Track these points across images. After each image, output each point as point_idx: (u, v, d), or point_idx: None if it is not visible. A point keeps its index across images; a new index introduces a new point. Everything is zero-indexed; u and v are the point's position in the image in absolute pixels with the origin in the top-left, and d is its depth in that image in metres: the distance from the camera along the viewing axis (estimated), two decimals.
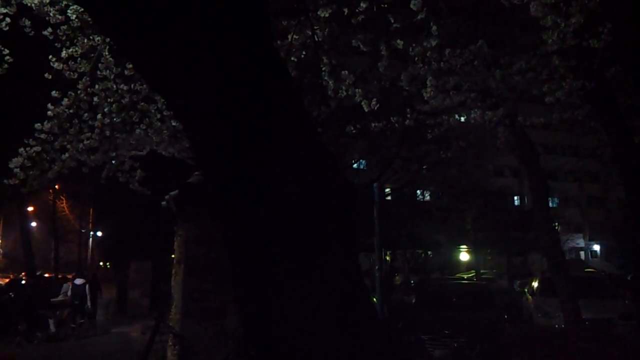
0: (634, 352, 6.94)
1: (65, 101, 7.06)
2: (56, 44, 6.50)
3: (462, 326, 10.37)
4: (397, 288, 27.34)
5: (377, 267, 14.03)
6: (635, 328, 11.97)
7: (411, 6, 6.16)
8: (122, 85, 7.17)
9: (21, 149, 7.28)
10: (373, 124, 9.28)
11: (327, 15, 6.29)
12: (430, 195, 34.51)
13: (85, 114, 7.32)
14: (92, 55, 6.77)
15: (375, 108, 7.61)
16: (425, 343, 10.14)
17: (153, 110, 7.58)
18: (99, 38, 6.54)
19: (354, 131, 11.15)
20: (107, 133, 7.56)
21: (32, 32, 6.29)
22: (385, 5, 6.70)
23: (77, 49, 6.56)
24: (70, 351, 13.85)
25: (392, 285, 27.22)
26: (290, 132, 2.80)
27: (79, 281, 17.35)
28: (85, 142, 7.52)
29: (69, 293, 17.11)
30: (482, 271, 35.48)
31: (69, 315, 17.13)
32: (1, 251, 49.57)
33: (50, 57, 6.69)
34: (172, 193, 9.01)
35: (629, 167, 9.90)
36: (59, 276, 23.22)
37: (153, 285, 23.26)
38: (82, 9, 5.90)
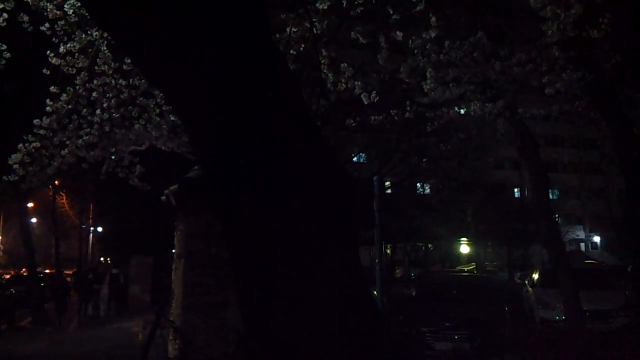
0: (632, 345, 6.96)
1: (63, 97, 7.04)
2: (54, 40, 6.47)
3: (462, 319, 10.37)
4: (397, 281, 27.35)
5: (377, 260, 14.02)
6: (635, 319, 11.98)
7: None
8: (120, 80, 7.15)
9: (20, 145, 7.26)
10: (373, 117, 9.26)
11: (325, 7, 6.25)
12: (430, 188, 34.48)
13: (84, 110, 7.31)
14: (90, 50, 6.75)
15: (375, 101, 7.59)
16: (425, 336, 10.14)
17: (152, 105, 7.56)
18: (96, 33, 6.50)
19: (353, 124, 11.12)
20: (106, 128, 7.55)
21: (30, 27, 6.26)
22: None
23: (75, 44, 6.53)
24: (71, 346, 13.87)
25: (392, 278, 27.23)
26: (289, 126, 2.78)
27: (115, 271, 22.04)
28: (84, 137, 7.51)
29: (107, 282, 21.34)
30: (483, 263, 35.50)
31: (109, 300, 21.49)
32: (2, 247, 49.58)
33: (48, 52, 6.67)
34: (172, 188, 8.99)
35: (629, 158, 9.88)
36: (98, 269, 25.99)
37: (154, 280, 23.25)
38: (80, 4, 5.87)
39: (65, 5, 6.04)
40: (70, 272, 25.30)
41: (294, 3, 6.49)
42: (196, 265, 8.36)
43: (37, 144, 7.26)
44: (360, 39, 6.86)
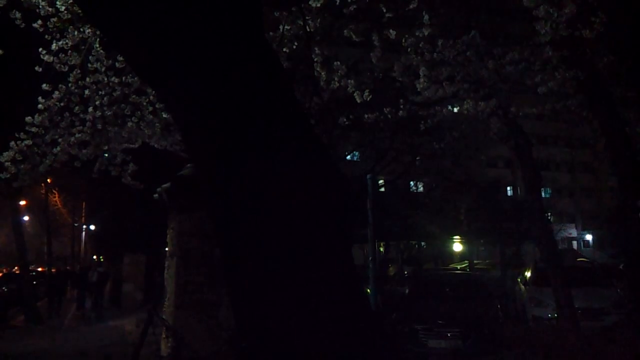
0: (625, 342, 7.02)
1: (56, 94, 7.01)
2: (46, 37, 6.44)
3: (455, 316, 10.40)
4: (390, 279, 27.39)
5: (370, 258, 14.04)
6: (627, 317, 12.04)
7: None
8: (113, 78, 7.12)
9: (12, 143, 7.23)
10: (366, 116, 9.26)
11: (319, 5, 6.24)
12: (423, 186, 34.55)
13: (77, 107, 7.28)
14: (83, 47, 6.72)
15: (368, 99, 7.59)
16: (419, 333, 10.16)
17: (145, 103, 7.53)
18: (89, 30, 6.48)
19: (347, 123, 11.12)
20: (99, 126, 7.52)
21: (22, 24, 6.23)
22: None
23: (67, 41, 6.50)
24: (64, 344, 13.83)
25: (385, 276, 27.27)
26: (282, 124, 2.78)
27: (100, 269, 21.63)
28: (76, 135, 7.48)
29: (95, 279, 20.67)
30: (475, 261, 35.59)
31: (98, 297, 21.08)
32: None
33: (40, 49, 6.63)
34: (165, 186, 8.98)
35: (622, 157, 9.93)
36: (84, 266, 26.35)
37: (147, 278, 23.25)
38: (72, 1, 5.85)
39: (58, 2, 6.01)
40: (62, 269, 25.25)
41: (287, 1, 6.48)
42: (189, 264, 8.36)
43: (29, 142, 7.23)
44: (354, 37, 6.85)
